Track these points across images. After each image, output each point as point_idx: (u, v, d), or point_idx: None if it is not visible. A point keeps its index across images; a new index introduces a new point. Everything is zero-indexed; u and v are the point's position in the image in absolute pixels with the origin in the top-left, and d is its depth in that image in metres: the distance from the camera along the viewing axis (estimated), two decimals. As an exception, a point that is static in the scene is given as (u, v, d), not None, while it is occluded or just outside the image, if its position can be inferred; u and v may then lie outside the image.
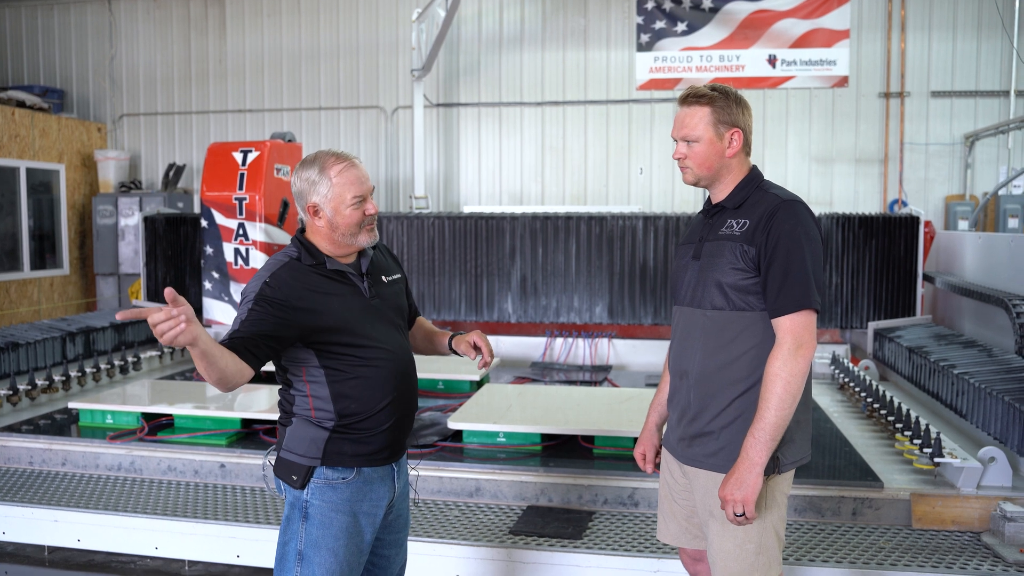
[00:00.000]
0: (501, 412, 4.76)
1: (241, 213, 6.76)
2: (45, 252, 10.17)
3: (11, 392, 5.34)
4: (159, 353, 6.67)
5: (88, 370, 5.92)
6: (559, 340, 6.92)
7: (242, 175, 6.77)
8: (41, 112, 10.14)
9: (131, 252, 10.05)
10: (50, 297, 10.15)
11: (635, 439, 4.35)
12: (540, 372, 6.45)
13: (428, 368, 6.02)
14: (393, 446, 2.50)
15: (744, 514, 2.26)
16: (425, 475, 4.27)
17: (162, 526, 4.00)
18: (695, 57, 10.09)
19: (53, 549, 4.14)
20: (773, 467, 2.33)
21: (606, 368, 6.60)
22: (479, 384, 5.87)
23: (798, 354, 2.23)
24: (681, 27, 10.03)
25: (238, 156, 6.85)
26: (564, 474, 4.17)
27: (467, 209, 8.98)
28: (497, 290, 7.05)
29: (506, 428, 4.47)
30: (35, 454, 4.71)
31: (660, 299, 6.87)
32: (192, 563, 4.04)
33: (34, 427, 5.01)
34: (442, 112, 10.01)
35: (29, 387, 5.45)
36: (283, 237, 6.94)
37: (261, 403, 5.06)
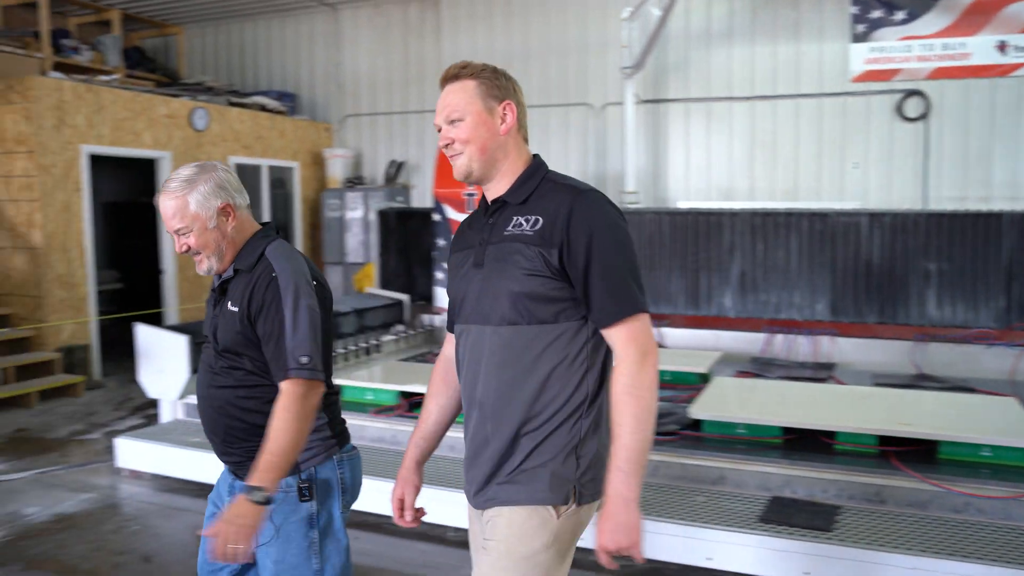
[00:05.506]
0: (740, 404, 4.87)
1: (470, 208, 7.17)
2: (281, 242, 11.10)
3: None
4: (395, 337, 7.20)
5: (339, 351, 6.50)
6: (779, 336, 6.90)
7: (473, 172, 7.17)
8: (279, 115, 11.08)
9: (356, 243, 10.81)
10: (285, 284, 11.07)
11: (879, 437, 4.39)
12: (761, 367, 6.47)
13: (653, 359, 6.20)
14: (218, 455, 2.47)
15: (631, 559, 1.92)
16: (668, 461, 4.46)
17: (427, 493, 4.39)
18: (915, 46, 9.68)
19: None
20: (564, 498, 1.97)
21: (829, 366, 6.53)
22: (704, 377, 5.98)
23: (646, 363, 1.92)
24: (900, 15, 9.66)
25: (468, 154, 7.25)
26: (808, 467, 4.24)
27: (682, 204, 9.06)
28: (716, 285, 7.12)
29: (749, 420, 4.58)
30: (308, 424, 5.25)
31: (886, 297, 6.72)
32: (456, 529, 4.42)
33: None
34: (650, 108, 10.12)
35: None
36: (509, 231, 7.30)
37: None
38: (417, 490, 2.27)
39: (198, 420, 5.84)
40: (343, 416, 2.49)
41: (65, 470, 5.74)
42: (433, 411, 2.28)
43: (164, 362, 5.68)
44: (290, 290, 2.25)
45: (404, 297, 7.83)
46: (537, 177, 2.06)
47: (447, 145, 2.04)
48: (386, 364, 6.32)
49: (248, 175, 10.51)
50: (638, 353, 1.91)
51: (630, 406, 1.88)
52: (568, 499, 1.96)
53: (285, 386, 2.19)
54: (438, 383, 2.29)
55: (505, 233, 2.01)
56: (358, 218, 10.77)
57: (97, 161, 8.63)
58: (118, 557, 4.25)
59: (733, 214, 7.10)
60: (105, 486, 5.40)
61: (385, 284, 8.11)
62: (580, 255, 1.93)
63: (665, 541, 3.91)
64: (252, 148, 10.52)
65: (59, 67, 9.89)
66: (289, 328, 2.21)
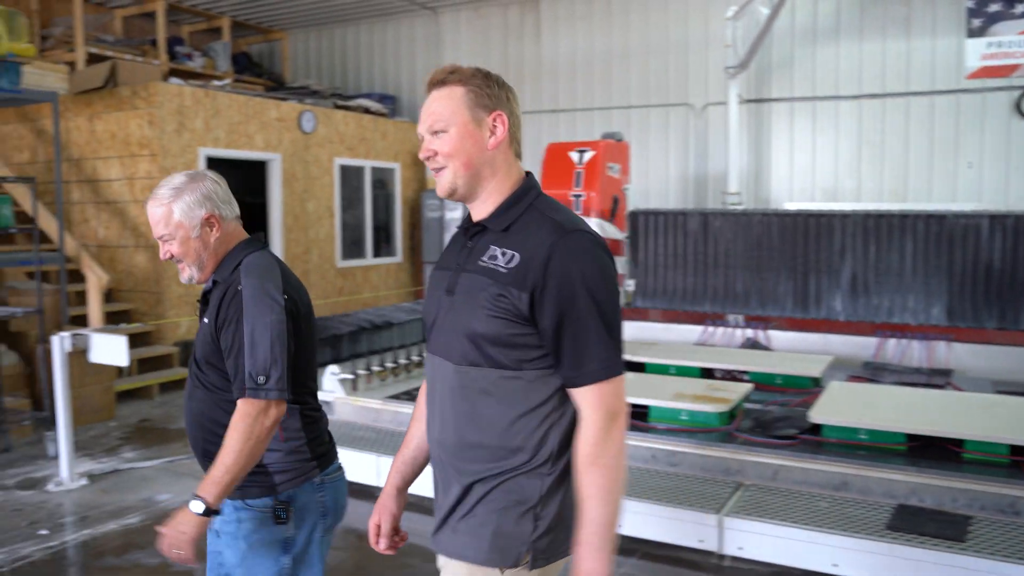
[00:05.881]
0: (861, 409, 4.77)
1: (578, 209, 7.20)
2: (381, 242, 11.37)
3: (394, 365, 6.13)
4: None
5: (448, 349, 6.62)
6: (891, 341, 6.74)
7: (579, 173, 7.21)
8: (381, 117, 11.32)
9: (455, 243, 10.95)
10: (386, 282, 11.34)
11: (1011, 446, 4.26)
12: (873, 372, 6.32)
13: (765, 363, 6.14)
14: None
15: None
16: (788, 465, 4.42)
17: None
18: (1035, 41, 9.31)
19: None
20: (512, 559, 1.80)
21: (946, 372, 6.34)
22: (816, 381, 5.88)
23: (614, 428, 1.74)
24: (1020, 8, 9.28)
25: (574, 155, 7.30)
26: (936, 475, 4.14)
27: (788, 206, 8.92)
28: (825, 288, 6.99)
29: (873, 425, 4.49)
30: (423, 420, 5.38)
31: (1007, 302, 6.49)
32: (574, 528, 4.46)
33: (412, 397, 5.72)
34: (752, 108, 9.98)
35: (406, 361, 6.21)
36: (615, 232, 7.32)
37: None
38: (394, 517, 2.11)
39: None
40: (328, 436, 2.44)
41: (192, 459, 6.00)
42: (415, 435, 2.10)
43: (284, 357, 5.88)
44: (253, 305, 2.21)
45: (507, 297, 7.90)
46: (524, 203, 1.83)
47: (429, 158, 1.85)
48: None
49: (352, 176, 10.79)
50: (605, 418, 1.73)
51: (596, 476, 1.72)
52: (518, 561, 1.80)
53: (240, 404, 2.17)
54: (423, 405, 2.09)
55: (479, 263, 1.80)
56: (457, 219, 10.91)
57: (209, 163, 8.97)
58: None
59: (844, 216, 6.96)
60: (229, 476, 5.62)
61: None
62: (553, 306, 1.72)
63: (789, 546, 3.88)
64: (356, 150, 10.78)
65: (173, 73, 10.34)
66: (248, 346, 2.17)
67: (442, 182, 1.84)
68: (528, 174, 1.90)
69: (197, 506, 2.10)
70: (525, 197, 1.84)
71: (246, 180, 10.53)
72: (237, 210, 2.42)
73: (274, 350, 2.18)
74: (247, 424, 2.14)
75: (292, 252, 9.83)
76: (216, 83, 10.14)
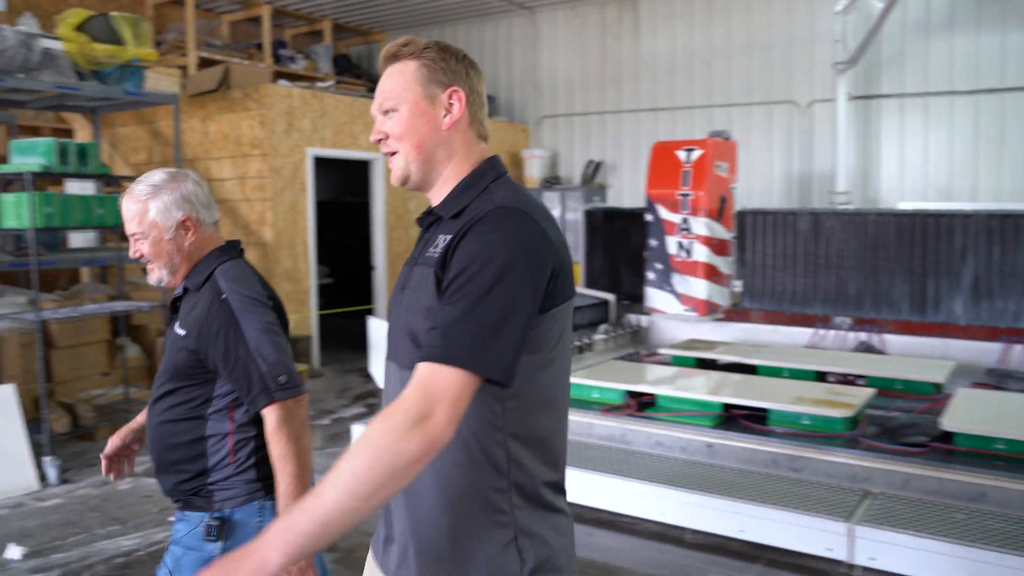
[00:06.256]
0: (995, 417, 4.58)
1: (685, 208, 7.11)
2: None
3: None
4: (604, 337, 7.26)
5: (554, 349, 6.60)
6: (1017, 347, 6.44)
7: (686, 172, 7.12)
8: (479, 116, 11.37)
9: (552, 242, 10.92)
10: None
11: None
12: (999, 379, 6.06)
13: (883, 368, 5.95)
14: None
15: None
16: (920, 474, 4.28)
17: (663, 494, 4.41)
18: None
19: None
20: None
21: (1078, 380, 6.04)
22: (938, 387, 5.67)
23: (420, 427, 1.34)
24: None
25: (681, 154, 7.21)
26: (1084, 489, 3.94)
27: (903, 205, 8.63)
28: (944, 291, 6.73)
29: (1013, 435, 4.30)
30: (535, 419, 5.38)
31: None
32: (695, 531, 4.41)
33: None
34: (860, 104, 9.69)
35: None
36: (722, 232, 7.21)
37: (737, 389, 5.33)
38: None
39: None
40: None
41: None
42: None
43: (395, 354, 5.95)
44: (243, 311, 2.14)
45: (610, 296, 7.87)
46: (479, 186, 1.61)
47: (380, 141, 1.66)
48: (607, 363, 6.37)
49: (451, 175, 10.87)
50: (420, 407, 1.36)
51: (358, 458, 1.33)
52: None
53: (268, 413, 2.09)
54: None
55: (427, 255, 1.59)
56: (555, 217, 10.88)
57: (316, 163, 9.17)
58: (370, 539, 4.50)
59: (966, 216, 6.69)
60: (343, 469, 5.72)
61: (590, 283, 8.18)
62: (450, 276, 1.48)
63: (926, 558, 3.74)
64: (455, 149, 10.86)
65: (277, 75, 10.59)
66: (255, 351, 2.10)
67: (394, 168, 1.65)
68: (492, 158, 1.68)
69: None
70: (481, 180, 1.62)
71: (350, 180, 10.77)
72: (216, 215, 2.34)
73: (280, 348, 2.14)
74: (285, 429, 2.09)
75: (394, 251, 9.97)
76: (320, 84, 10.36)
